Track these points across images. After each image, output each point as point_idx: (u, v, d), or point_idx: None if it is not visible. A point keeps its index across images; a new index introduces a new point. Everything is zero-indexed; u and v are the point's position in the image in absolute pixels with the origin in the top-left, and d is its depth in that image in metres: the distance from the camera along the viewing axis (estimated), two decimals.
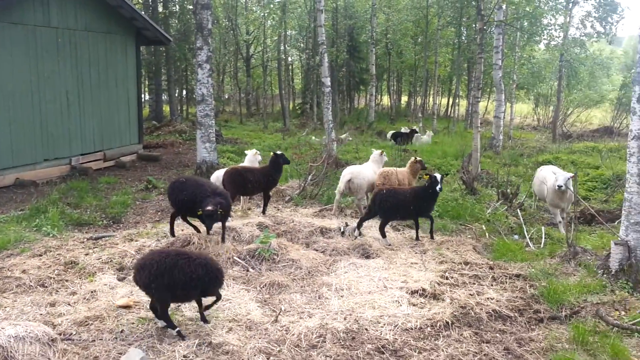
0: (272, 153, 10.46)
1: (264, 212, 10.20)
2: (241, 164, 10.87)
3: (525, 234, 9.73)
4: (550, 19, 27.15)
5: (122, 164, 15.62)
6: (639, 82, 7.29)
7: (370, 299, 6.43)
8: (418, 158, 10.89)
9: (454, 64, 35.25)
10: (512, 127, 29.79)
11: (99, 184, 13.07)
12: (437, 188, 8.77)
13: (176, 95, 33.09)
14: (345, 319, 5.92)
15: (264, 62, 36.30)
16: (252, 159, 10.85)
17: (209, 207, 7.28)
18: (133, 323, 5.67)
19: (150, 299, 5.58)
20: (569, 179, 9.90)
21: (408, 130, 23.18)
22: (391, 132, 24.18)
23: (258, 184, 9.93)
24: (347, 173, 10.41)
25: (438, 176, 8.82)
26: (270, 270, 7.26)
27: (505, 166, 15.44)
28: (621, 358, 5.24)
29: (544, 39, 28.60)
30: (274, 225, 9.20)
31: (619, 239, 7.45)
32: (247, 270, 7.22)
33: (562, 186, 9.72)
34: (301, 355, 5.15)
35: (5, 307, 6.00)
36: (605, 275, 7.34)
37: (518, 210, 11.00)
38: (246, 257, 7.54)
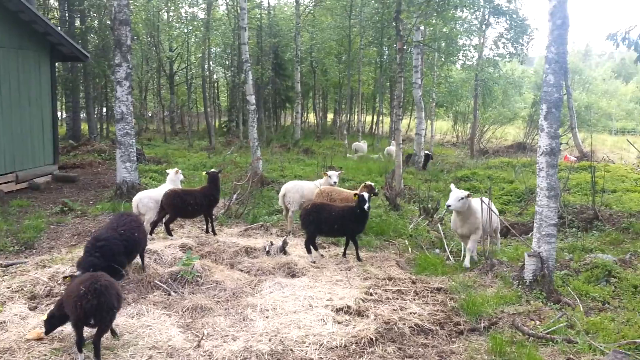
0: (204, 173, 10.32)
1: (212, 232, 10.20)
2: (164, 185, 10.58)
3: (446, 247, 10.04)
4: (466, 40, 28.54)
5: (36, 185, 14.84)
6: (546, 101, 7.75)
7: (296, 319, 6.41)
8: (369, 183, 10.70)
9: (376, 83, 36.22)
10: (433, 144, 30.91)
11: (11, 207, 12.33)
12: (365, 207, 8.71)
13: (95, 113, 31.97)
14: (270, 340, 5.86)
15: (188, 79, 35.84)
16: (173, 178, 10.59)
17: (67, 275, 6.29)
18: (45, 355, 5.36)
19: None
20: (462, 198, 8.75)
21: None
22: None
23: (199, 206, 9.76)
24: (282, 188, 11.02)
25: (366, 195, 8.72)
26: (193, 294, 7.09)
27: (426, 182, 15.93)
28: None
29: (460, 59, 29.95)
30: (197, 246, 9.02)
31: (532, 250, 7.83)
32: (169, 294, 7.01)
33: (450, 206, 8.80)
34: None
35: None
36: (520, 286, 7.67)
37: (439, 224, 11.34)
38: (168, 281, 7.33)
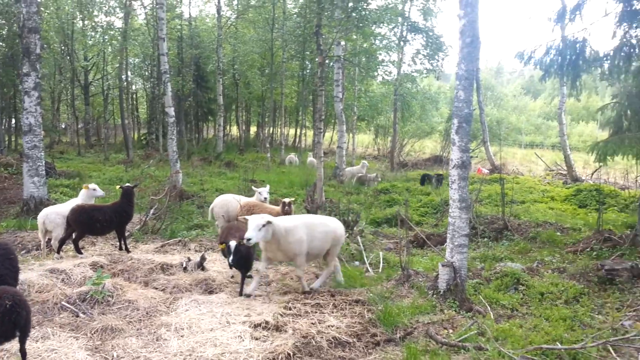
0: (118, 187, 9.90)
1: (125, 249, 9.79)
2: (73, 200, 10.08)
3: (365, 259, 10.19)
4: (385, 56, 29.35)
5: None
6: (457, 115, 8.06)
7: (212, 337, 6.25)
8: (288, 200, 9.98)
9: (299, 96, 36.46)
10: (354, 157, 31.42)
11: None
12: (230, 260, 7.67)
13: (3, 124, 30.15)
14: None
15: (104, 89, 34.56)
16: (86, 193, 10.11)
17: None
18: None
19: None
20: (263, 226, 7.43)
21: (434, 175, 22.37)
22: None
23: (109, 222, 9.31)
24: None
25: (232, 244, 7.49)
26: (103, 314, 6.76)
27: (347, 195, 16.15)
28: None
29: (380, 74, 30.76)
30: (109, 264, 8.65)
31: (445, 260, 8.08)
32: (77, 316, 6.65)
33: (250, 239, 7.29)
34: None
35: None
36: (435, 296, 7.88)
37: (358, 237, 11.50)
38: (76, 302, 6.96)
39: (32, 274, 7.63)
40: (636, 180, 18.08)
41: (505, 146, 36.93)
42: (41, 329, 6.18)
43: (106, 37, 32.32)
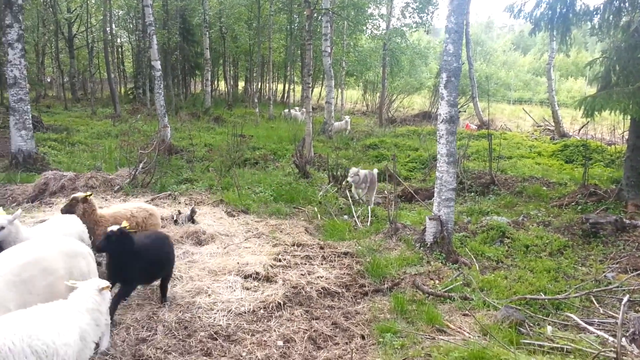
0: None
1: None
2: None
3: (354, 213, 10.33)
4: (374, 9, 28.84)
5: None
6: (446, 70, 8.07)
7: (204, 286, 6.40)
8: (83, 195, 6.55)
9: (287, 50, 35.92)
10: (343, 112, 31.28)
11: None
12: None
13: None
14: (177, 308, 5.83)
15: (88, 42, 33.82)
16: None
17: None
18: None
19: None
20: None
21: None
22: None
23: None
24: None
25: (115, 228, 5.36)
26: (99, 264, 6.83)
27: (336, 150, 16.18)
28: (435, 322, 5.81)
29: (369, 28, 30.26)
30: None
31: (433, 214, 8.22)
32: None
33: None
34: (130, 350, 4.97)
35: None
36: (422, 248, 8.06)
37: (347, 191, 11.61)
38: None
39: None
40: (622, 136, 18.27)
41: (493, 102, 36.90)
42: None
43: None
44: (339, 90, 33.35)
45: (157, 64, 16.63)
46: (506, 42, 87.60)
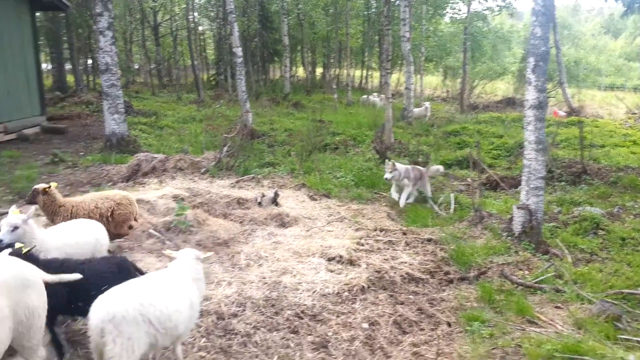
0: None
1: None
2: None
3: (433, 201, 10.14)
4: None
5: (25, 136, 14.66)
6: (533, 54, 7.71)
7: (289, 267, 6.49)
8: (43, 186, 6.32)
9: (365, 36, 35.65)
10: (422, 99, 30.73)
11: (1, 157, 12.23)
12: None
13: (80, 64, 31.30)
14: (264, 286, 5.95)
15: (172, 30, 35.01)
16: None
17: None
18: None
19: None
20: (15, 228, 4.86)
21: None
22: None
23: None
24: None
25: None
26: (186, 242, 7.12)
27: (416, 136, 15.94)
28: (525, 313, 5.63)
29: (449, 12, 29.48)
30: (190, 197, 9.01)
31: (521, 203, 7.93)
32: (163, 243, 7.04)
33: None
34: (221, 323, 5.13)
35: None
36: (509, 238, 7.80)
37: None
38: (161, 230, 7.36)
39: None
40: None
41: (583, 88, 34.99)
42: (132, 254, 6.60)
43: None
44: (418, 76, 32.78)
45: (239, 51, 16.96)
46: (595, 25, 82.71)
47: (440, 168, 11.28)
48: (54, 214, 6.32)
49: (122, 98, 13.93)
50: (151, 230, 7.25)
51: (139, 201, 8.11)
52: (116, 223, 6.66)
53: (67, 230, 5.49)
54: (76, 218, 6.15)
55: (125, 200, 6.78)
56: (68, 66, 31.59)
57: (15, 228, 4.85)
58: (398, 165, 9.93)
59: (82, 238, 5.41)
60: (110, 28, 13.40)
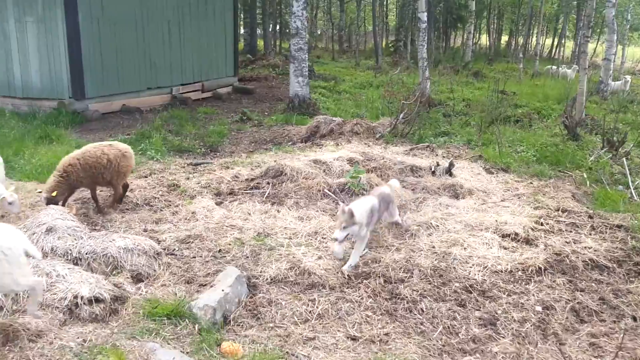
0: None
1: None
2: None
3: (630, 184, 9.15)
4: None
5: (219, 95, 16.11)
6: None
7: (459, 239, 6.34)
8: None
9: (562, 1, 32.72)
10: (622, 72, 27.61)
11: (198, 113, 13.62)
12: None
13: (269, 29, 33.23)
14: (432, 256, 5.91)
15: None
16: None
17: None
18: (230, 244, 5.97)
19: None
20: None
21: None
22: None
23: None
24: None
25: None
26: None
27: (612, 112, 14.40)
28: None
29: None
30: (364, 161, 9.19)
31: None
32: (337, 203, 7.30)
33: None
34: (388, 287, 5.23)
35: (115, 222, 6.50)
36: None
37: (624, 159, 10.29)
38: (336, 191, 7.64)
39: (299, 163, 8.53)
40: None
41: None
42: (307, 210, 6.97)
43: None
44: (620, 47, 29.42)
45: (424, 16, 16.65)
46: None
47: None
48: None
49: (307, 62, 14.53)
50: (326, 190, 7.56)
51: (316, 162, 8.52)
52: (119, 173, 6.70)
53: None
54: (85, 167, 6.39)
55: (129, 153, 6.85)
56: (258, 31, 33.73)
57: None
58: (357, 208, 5.48)
59: None
60: None
